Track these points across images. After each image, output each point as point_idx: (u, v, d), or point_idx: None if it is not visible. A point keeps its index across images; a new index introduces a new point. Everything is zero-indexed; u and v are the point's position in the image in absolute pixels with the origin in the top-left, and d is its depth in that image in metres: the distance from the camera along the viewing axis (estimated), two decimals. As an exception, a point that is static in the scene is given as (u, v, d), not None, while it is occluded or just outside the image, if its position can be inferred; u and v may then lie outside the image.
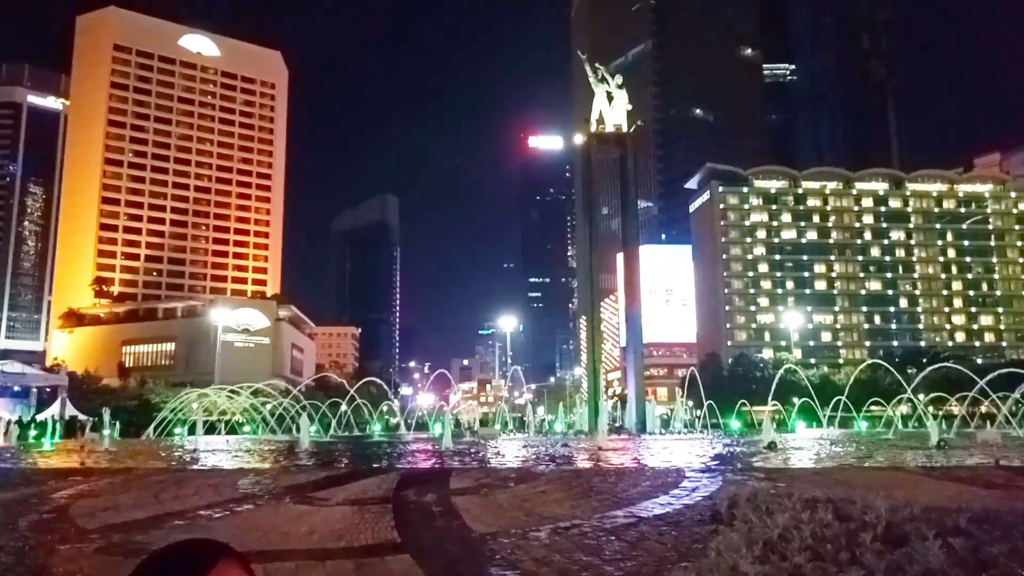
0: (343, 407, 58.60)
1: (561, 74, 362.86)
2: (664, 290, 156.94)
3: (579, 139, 69.03)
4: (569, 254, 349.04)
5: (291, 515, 11.78)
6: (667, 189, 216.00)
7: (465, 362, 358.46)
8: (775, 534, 7.68)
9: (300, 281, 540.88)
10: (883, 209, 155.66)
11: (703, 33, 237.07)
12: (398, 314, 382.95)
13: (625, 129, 59.27)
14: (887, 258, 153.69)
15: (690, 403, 66.42)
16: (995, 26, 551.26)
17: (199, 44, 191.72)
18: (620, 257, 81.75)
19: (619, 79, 60.79)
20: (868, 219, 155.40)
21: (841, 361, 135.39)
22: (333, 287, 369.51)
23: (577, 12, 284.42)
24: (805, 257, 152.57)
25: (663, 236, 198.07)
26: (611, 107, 59.40)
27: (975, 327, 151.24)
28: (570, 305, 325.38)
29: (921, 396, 52.51)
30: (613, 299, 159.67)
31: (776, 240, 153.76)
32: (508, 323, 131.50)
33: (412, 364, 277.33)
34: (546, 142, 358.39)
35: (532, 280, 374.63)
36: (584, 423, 53.80)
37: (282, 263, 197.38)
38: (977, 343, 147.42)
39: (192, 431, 53.76)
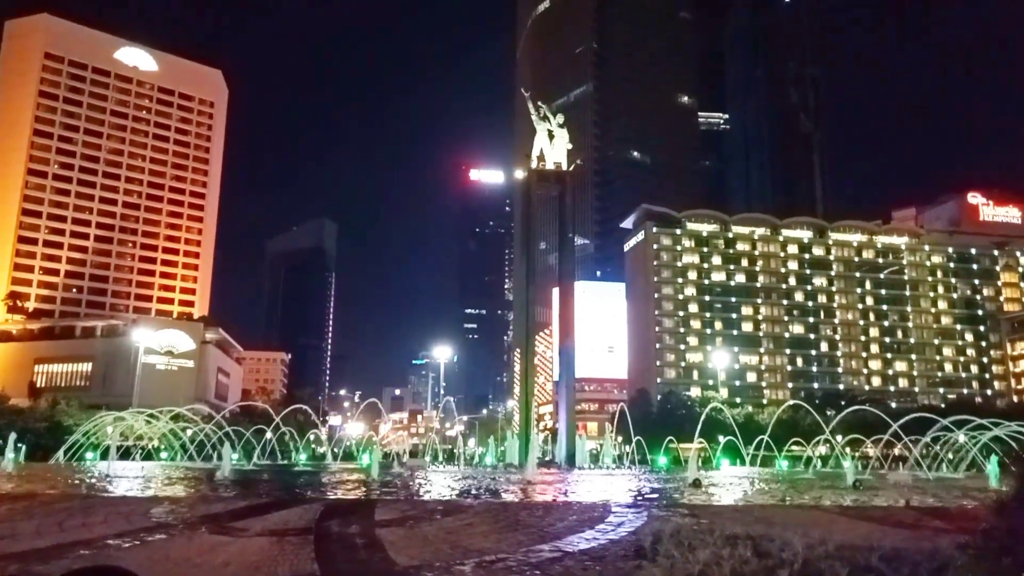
0: (268, 435, 56.85)
1: (504, 109, 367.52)
2: (598, 326, 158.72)
3: (520, 174, 69.93)
4: (506, 287, 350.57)
5: (206, 546, 11.32)
6: (603, 227, 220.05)
7: (397, 391, 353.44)
8: (696, 570, 7.80)
9: (230, 304, 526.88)
10: (807, 256, 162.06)
11: (643, 79, 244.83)
12: (330, 341, 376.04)
13: (565, 167, 60.34)
14: (810, 303, 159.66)
15: (619, 439, 66.96)
16: (915, 90, 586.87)
17: (136, 58, 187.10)
18: (556, 292, 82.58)
19: (560, 118, 62.03)
20: (793, 265, 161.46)
21: (765, 401, 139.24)
22: (264, 311, 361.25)
23: (522, 50, 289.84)
24: (733, 299, 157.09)
25: (598, 273, 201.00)
26: (552, 145, 60.46)
27: (890, 372, 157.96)
28: (505, 337, 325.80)
29: (839, 437, 54.31)
30: (548, 333, 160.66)
31: (706, 282, 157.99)
32: (443, 353, 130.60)
33: (342, 392, 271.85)
34: (487, 175, 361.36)
35: (468, 311, 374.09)
36: (514, 456, 53.59)
37: (212, 285, 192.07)
38: (892, 388, 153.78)
39: (105, 456, 51.20)
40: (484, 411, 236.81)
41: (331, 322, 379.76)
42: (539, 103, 63.42)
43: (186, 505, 16.57)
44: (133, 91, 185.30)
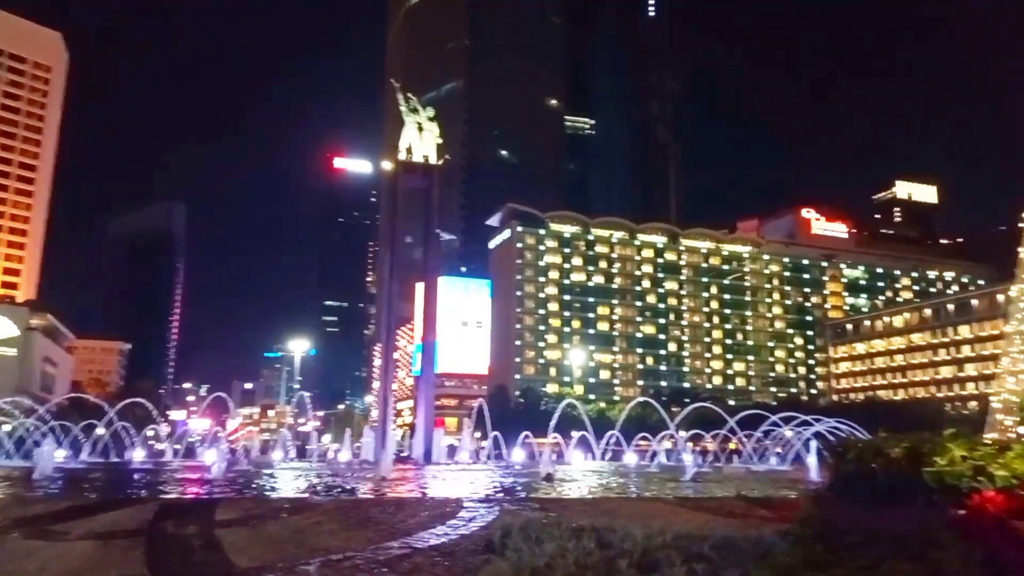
0: (100, 430, 52.71)
1: (374, 97, 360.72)
2: (460, 322, 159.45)
3: (387, 166, 68.88)
4: (368, 279, 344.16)
5: (19, 551, 10.32)
6: (470, 224, 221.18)
7: (248, 385, 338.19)
8: (542, 562, 7.97)
9: (63, 288, 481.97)
10: (660, 260, 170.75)
11: (513, 80, 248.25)
12: (176, 331, 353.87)
13: (433, 161, 59.97)
14: (661, 305, 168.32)
15: (478, 434, 67.59)
16: (765, 108, 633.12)
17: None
18: (420, 286, 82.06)
19: (430, 111, 61.58)
20: (647, 268, 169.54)
21: (617, 398, 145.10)
22: (103, 297, 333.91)
23: (393, 40, 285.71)
24: (591, 299, 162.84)
25: (463, 269, 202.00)
26: (421, 138, 59.91)
27: (730, 372, 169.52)
28: (366, 331, 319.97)
29: (682, 432, 57.57)
30: (409, 328, 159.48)
31: (567, 281, 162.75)
32: (299, 346, 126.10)
33: (188, 386, 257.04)
34: (353, 164, 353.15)
35: (328, 303, 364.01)
36: (371, 452, 52.73)
37: (41, 265, 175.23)
38: (731, 386, 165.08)
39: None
40: (341, 406, 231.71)
41: (178, 311, 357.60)
42: (409, 95, 62.62)
43: (-3, 507, 15.01)
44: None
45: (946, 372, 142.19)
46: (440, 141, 61.38)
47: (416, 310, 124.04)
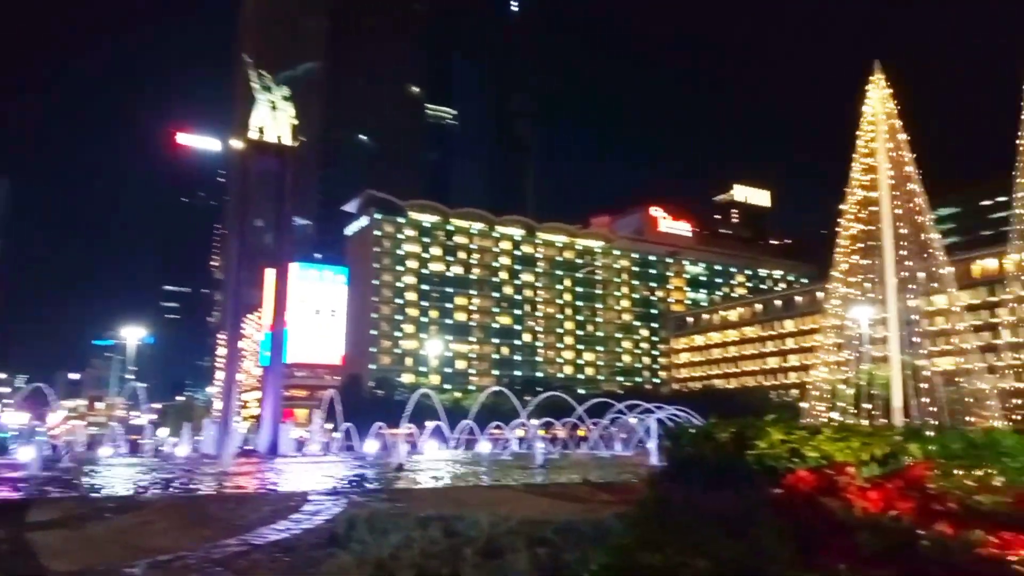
0: None
1: (224, 72, 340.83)
2: (313, 310, 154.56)
3: (237, 145, 65.54)
4: (214, 264, 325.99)
5: None
6: (326, 210, 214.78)
7: (75, 376, 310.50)
8: (387, 553, 7.89)
9: None
10: (518, 253, 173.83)
11: (374, 63, 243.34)
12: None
13: (287, 142, 57.72)
14: (517, 296, 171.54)
15: (329, 425, 65.99)
16: (618, 112, 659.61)
17: None
18: (270, 272, 78.74)
19: (285, 91, 59.23)
20: (505, 260, 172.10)
21: (472, 387, 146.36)
22: None
23: (246, 13, 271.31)
24: (449, 289, 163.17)
25: (318, 256, 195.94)
26: (274, 118, 57.47)
27: (580, 362, 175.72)
28: (210, 319, 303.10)
29: (534, 420, 59.08)
30: (258, 315, 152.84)
31: (425, 271, 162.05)
32: (133, 333, 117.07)
33: (2, 376, 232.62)
34: (200, 142, 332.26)
35: (168, 288, 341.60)
36: (212, 445, 50.13)
37: None
38: (580, 376, 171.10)
39: None
40: (181, 398, 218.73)
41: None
42: (262, 72, 59.90)
43: None
44: None
45: (773, 362, 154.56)
46: (295, 122, 59.22)
47: (266, 297, 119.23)
